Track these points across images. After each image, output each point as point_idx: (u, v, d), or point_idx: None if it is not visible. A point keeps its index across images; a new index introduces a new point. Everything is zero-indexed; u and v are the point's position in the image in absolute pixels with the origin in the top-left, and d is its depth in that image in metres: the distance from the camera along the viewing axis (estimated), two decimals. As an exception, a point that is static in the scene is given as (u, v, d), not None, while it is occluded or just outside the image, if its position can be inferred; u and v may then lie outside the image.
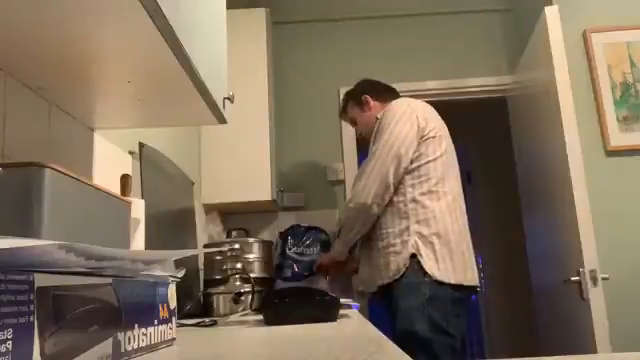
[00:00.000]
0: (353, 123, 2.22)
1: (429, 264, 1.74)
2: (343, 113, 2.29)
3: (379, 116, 1.98)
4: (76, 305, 0.43)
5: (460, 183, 1.96)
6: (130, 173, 1.34)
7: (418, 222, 1.79)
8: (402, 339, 1.70)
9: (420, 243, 1.76)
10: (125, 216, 0.84)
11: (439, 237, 1.78)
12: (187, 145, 2.35)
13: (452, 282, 1.73)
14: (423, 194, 1.83)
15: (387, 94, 2.14)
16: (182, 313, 1.49)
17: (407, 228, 1.80)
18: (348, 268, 2.21)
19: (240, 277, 1.75)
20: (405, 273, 1.75)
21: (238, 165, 2.56)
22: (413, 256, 1.76)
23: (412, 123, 1.87)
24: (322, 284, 2.16)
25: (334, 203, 3.06)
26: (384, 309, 1.90)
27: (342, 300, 1.14)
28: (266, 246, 1.93)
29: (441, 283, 1.72)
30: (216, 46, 1.25)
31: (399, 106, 1.93)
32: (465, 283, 1.76)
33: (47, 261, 0.38)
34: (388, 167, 1.83)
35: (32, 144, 1.03)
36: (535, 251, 2.73)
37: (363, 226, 1.89)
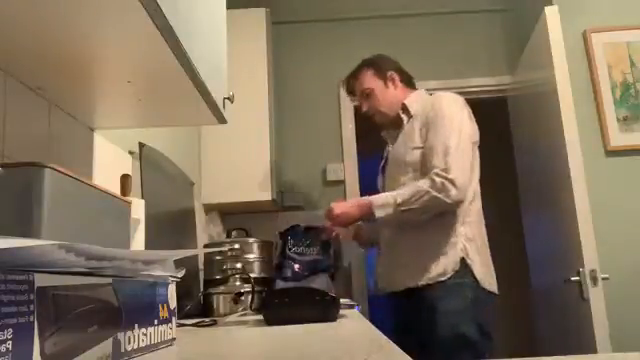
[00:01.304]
0: (364, 95, 1.88)
1: (477, 268, 1.65)
2: (353, 79, 1.92)
3: (406, 102, 1.80)
4: (76, 305, 0.43)
5: None
6: (130, 173, 1.34)
7: (464, 223, 1.67)
8: (446, 342, 1.58)
9: (468, 246, 1.66)
10: (125, 216, 0.84)
11: (480, 240, 1.72)
12: (187, 145, 2.35)
13: (491, 289, 1.69)
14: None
15: (410, 82, 1.92)
16: (182, 313, 1.49)
17: (454, 229, 1.66)
18: (349, 235, 1.95)
19: (240, 277, 1.75)
20: (451, 275, 1.63)
21: (238, 165, 2.56)
22: (461, 259, 1.64)
23: (470, 118, 1.74)
24: (322, 283, 2.07)
25: (334, 203, 3.06)
26: (403, 310, 1.76)
27: (342, 300, 1.14)
28: (266, 246, 1.92)
29: (482, 288, 1.65)
30: (216, 46, 1.25)
31: (454, 98, 1.75)
32: (495, 290, 1.74)
33: (47, 261, 0.38)
34: (470, 163, 1.67)
35: (32, 144, 1.03)
36: (535, 251, 2.73)
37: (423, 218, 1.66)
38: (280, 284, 1.31)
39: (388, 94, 1.86)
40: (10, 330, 0.34)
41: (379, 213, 1.64)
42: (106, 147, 1.37)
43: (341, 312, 1.09)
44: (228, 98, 1.35)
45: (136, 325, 0.54)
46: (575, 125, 2.15)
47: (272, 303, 1.05)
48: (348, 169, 3.10)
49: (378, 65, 1.89)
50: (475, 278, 1.63)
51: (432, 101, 1.74)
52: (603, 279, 2.01)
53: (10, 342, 0.34)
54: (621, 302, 2.29)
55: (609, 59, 2.67)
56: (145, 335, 0.57)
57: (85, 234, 0.69)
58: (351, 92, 1.95)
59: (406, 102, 1.82)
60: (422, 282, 1.64)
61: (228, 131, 2.36)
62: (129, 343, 0.52)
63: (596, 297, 2.00)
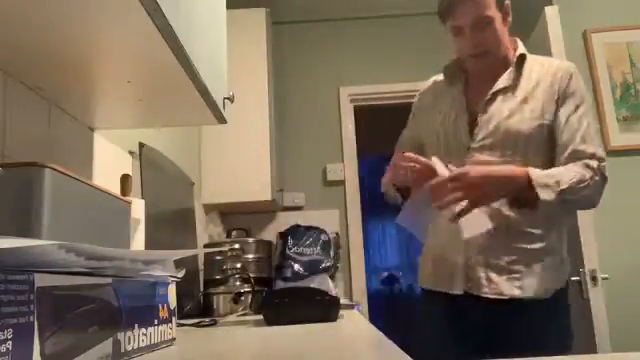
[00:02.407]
0: (480, 24, 1.30)
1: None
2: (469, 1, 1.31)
3: (526, 54, 1.38)
4: (76, 305, 0.43)
5: None
6: (130, 173, 1.34)
7: (564, 231, 1.36)
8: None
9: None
10: (125, 216, 0.84)
11: None
12: (187, 145, 2.35)
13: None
14: None
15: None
16: (182, 313, 1.49)
17: (564, 232, 1.36)
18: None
19: (240, 277, 1.75)
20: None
21: (238, 165, 2.56)
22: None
23: None
24: (322, 283, 2.06)
25: (334, 203, 3.06)
26: (487, 319, 1.28)
27: (342, 300, 1.14)
28: (266, 246, 1.93)
29: None
30: (216, 46, 1.25)
31: None
32: None
33: (47, 261, 0.38)
34: None
35: (32, 144, 1.03)
36: (535, 251, 2.73)
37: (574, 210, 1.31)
38: (280, 284, 1.31)
39: (505, 32, 1.36)
40: (10, 330, 0.34)
41: (544, 195, 1.16)
42: (106, 147, 1.37)
43: (341, 312, 1.09)
44: (228, 98, 1.35)
45: (136, 325, 0.54)
46: (575, 125, 2.15)
47: (272, 303, 1.05)
48: (348, 169, 3.10)
49: None
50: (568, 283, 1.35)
51: (566, 69, 1.32)
52: (603, 279, 2.01)
53: (10, 342, 0.34)
54: (621, 302, 2.29)
55: (609, 59, 2.67)
56: (145, 335, 0.57)
57: (85, 234, 0.69)
58: (453, 15, 1.34)
59: (526, 53, 1.37)
60: (542, 294, 1.25)
61: (228, 131, 2.36)
62: (129, 343, 0.52)
63: (596, 297, 2.00)
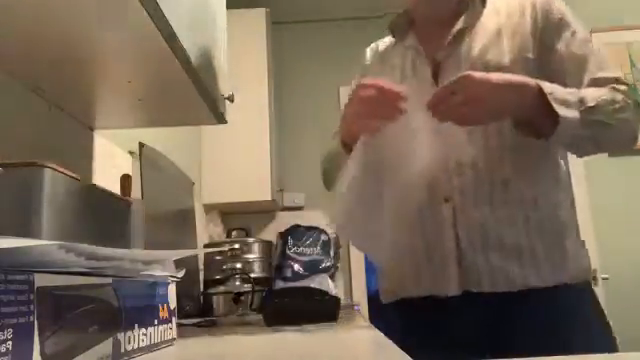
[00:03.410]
0: None
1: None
2: None
3: None
4: (76, 305, 0.43)
5: None
6: (130, 173, 1.34)
7: (572, 202, 1.06)
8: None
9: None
10: (125, 216, 0.84)
11: None
12: (187, 145, 2.35)
13: None
14: None
15: None
16: (182, 313, 1.49)
17: (573, 204, 1.05)
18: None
19: (240, 277, 1.75)
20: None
21: (238, 165, 2.56)
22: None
23: None
24: (322, 283, 2.04)
25: (334, 203, 3.06)
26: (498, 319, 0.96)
27: (342, 300, 1.14)
28: (266, 246, 1.93)
29: None
30: (216, 46, 1.25)
31: None
32: None
33: (47, 261, 0.38)
34: None
35: (32, 144, 1.03)
36: (535, 251, 2.73)
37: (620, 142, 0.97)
38: (280, 284, 1.30)
39: None
40: (10, 330, 0.34)
41: (563, 111, 0.86)
42: (106, 147, 1.37)
43: (341, 312, 1.09)
44: (228, 98, 1.35)
45: (136, 325, 0.54)
46: (575, 125, 2.15)
47: (272, 303, 1.05)
48: (348, 169, 3.10)
49: None
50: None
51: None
52: (603, 279, 2.01)
53: (10, 342, 0.34)
54: (621, 302, 2.29)
55: (609, 59, 2.67)
56: (145, 335, 0.57)
57: (85, 234, 0.69)
58: None
59: None
60: (562, 280, 0.96)
61: (228, 131, 2.36)
62: (129, 343, 0.52)
63: (596, 297, 2.00)
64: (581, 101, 0.89)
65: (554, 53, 1.01)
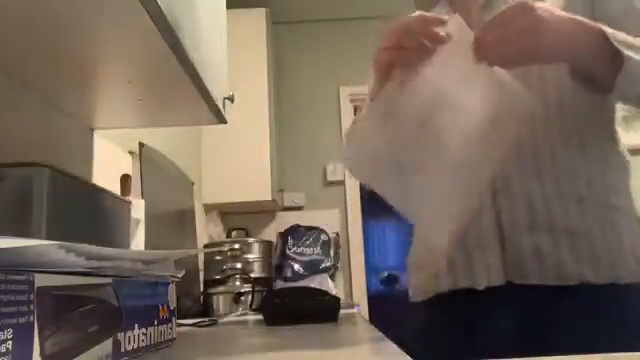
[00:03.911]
0: None
1: None
2: None
3: None
4: (76, 305, 0.43)
5: None
6: (130, 173, 1.34)
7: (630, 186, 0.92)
8: None
9: None
10: (125, 216, 0.84)
11: None
12: (187, 145, 2.35)
13: None
14: None
15: None
16: (182, 313, 1.49)
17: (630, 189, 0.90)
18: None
19: (240, 277, 1.75)
20: None
21: (238, 165, 2.56)
22: None
23: None
24: (322, 283, 2.02)
25: (334, 203, 3.06)
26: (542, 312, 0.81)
27: (342, 300, 1.14)
28: (266, 246, 1.92)
29: None
30: (216, 46, 1.25)
31: None
32: None
33: (47, 261, 0.38)
34: None
35: (32, 144, 1.03)
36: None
37: None
38: (280, 284, 1.30)
39: None
40: (10, 330, 0.34)
41: (629, 52, 0.73)
42: (106, 147, 1.37)
43: (341, 312, 1.09)
44: (228, 98, 1.35)
45: (136, 325, 0.54)
46: (575, 125, 2.15)
47: (272, 303, 1.05)
48: (348, 169, 3.10)
49: None
50: None
51: None
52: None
53: (10, 342, 0.34)
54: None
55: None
56: (145, 335, 0.56)
57: (85, 234, 0.69)
58: None
59: None
60: (621, 276, 0.81)
61: (228, 131, 2.36)
62: (129, 343, 0.52)
63: (596, 297, 1.99)
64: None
65: (609, 10, 0.85)
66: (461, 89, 0.71)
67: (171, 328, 0.66)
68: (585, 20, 0.74)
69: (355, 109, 3.20)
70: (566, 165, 0.84)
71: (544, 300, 0.80)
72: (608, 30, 0.74)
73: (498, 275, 0.81)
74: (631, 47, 0.74)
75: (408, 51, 0.73)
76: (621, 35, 0.75)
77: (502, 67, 0.71)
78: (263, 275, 1.82)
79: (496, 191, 0.83)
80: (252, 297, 1.61)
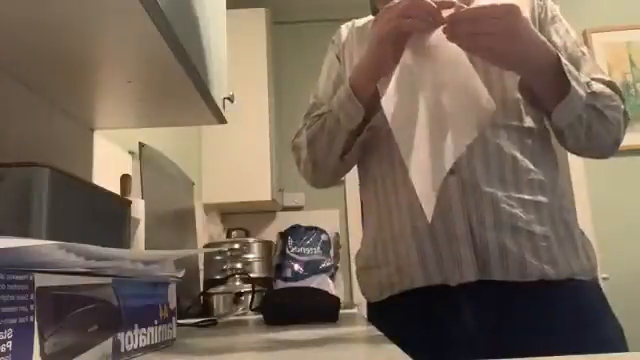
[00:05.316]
0: None
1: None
2: None
3: None
4: (76, 305, 0.43)
5: None
6: (130, 173, 1.34)
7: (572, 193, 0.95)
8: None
9: None
10: (125, 216, 0.84)
11: None
12: (187, 145, 2.35)
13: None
14: None
15: None
16: (182, 313, 1.49)
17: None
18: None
19: (240, 277, 1.75)
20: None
21: (238, 165, 2.56)
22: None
23: None
24: (322, 283, 2.01)
25: (334, 203, 3.06)
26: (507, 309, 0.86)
27: (342, 300, 1.14)
28: (266, 246, 1.92)
29: None
30: (216, 46, 1.25)
31: None
32: None
33: (47, 261, 0.38)
34: None
35: (32, 144, 1.03)
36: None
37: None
38: (280, 284, 1.30)
39: None
40: (10, 330, 0.34)
41: (575, 84, 0.81)
42: (106, 147, 1.37)
43: (341, 312, 1.09)
44: (228, 98, 1.35)
45: (136, 325, 0.54)
46: (575, 125, 2.15)
47: (272, 303, 1.05)
48: (348, 169, 3.11)
49: None
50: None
51: None
52: (603, 279, 2.01)
53: (10, 342, 0.34)
54: (621, 302, 2.29)
55: (609, 59, 2.67)
56: (145, 335, 0.56)
57: (85, 234, 0.69)
58: None
59: None
60: (576, 275, 0.88)
61: (228, 131, 2.36)
62: (129, 343, 0.52)
63: (596, 297, 2.00)
64: (587, 84, 0.86)
65: (552, 44, 0.91)
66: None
67: (171, 328, 0.66)
68: (548, 43, 0.82)
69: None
70: (524, 173, 0.90)
71: (509, 295, 0.85)
72: (563, 59, 0.81)
73: (469, 271, 0.86)
74: (576, 79, 0.82)
75: (414, 19, 0.77)
76: (571, 66, 0.83)
77: (469, 52, 0.77)
78: (263, 275, 1.82)
79: (464, 190, 0.88)
80: (252, 297, 1.61)
